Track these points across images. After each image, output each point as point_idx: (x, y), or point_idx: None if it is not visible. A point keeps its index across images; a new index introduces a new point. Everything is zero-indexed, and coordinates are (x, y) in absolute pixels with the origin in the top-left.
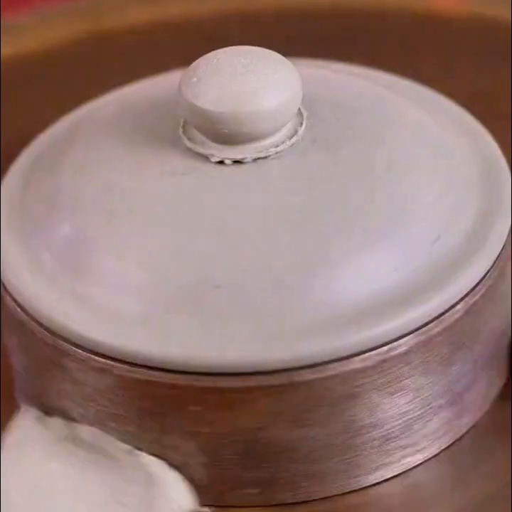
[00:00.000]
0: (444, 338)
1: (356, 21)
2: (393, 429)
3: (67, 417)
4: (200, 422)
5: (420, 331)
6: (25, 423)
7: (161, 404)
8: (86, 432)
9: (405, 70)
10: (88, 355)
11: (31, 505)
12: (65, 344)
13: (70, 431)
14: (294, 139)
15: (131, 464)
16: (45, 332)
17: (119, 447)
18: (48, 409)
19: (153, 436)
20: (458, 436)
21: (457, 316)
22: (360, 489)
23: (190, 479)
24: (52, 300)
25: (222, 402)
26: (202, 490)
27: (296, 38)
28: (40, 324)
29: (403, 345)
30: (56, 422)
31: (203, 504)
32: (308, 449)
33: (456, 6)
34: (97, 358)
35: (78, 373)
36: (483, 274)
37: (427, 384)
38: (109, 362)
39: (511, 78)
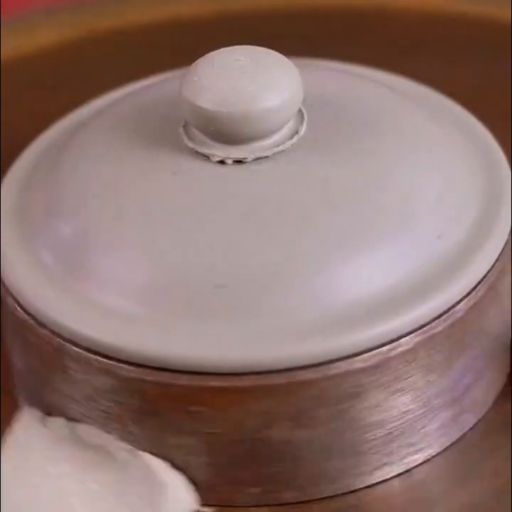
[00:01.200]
0: (445, 337)
1: (356, 21)
2: (395, 429)
3: (69, 416)
4: (200, 422)
5: (422, 330)
6: (26, 424)
7: (161, 404)
8: (87, 431)
9: (405, 70)
10: (88, 354)
11: (33, 506)
12: (65, 343)
13: (71, 431)
14: (295, 138)
15: (133, 465)
16: (46, 331)
17: (121, 447)
18: (48, 409)
19: (153, 436)
20: (460, 434)
21: (459, 314)
22: (361, 489)
23: (192, 479)
24: (53, 299)
25: (222, 402)
26: (204, 490)
27: (296, 38)
28: (40, 323)
29: (405, 344)
30: (57, 422)
31: (204, 504)
32: (309, 448)
33: (456, 6)
34: (96, 357)
35: (78, 373)
36: (485, 273)
37: (430, 382)
38: (108, 361)
39: (511, 78)
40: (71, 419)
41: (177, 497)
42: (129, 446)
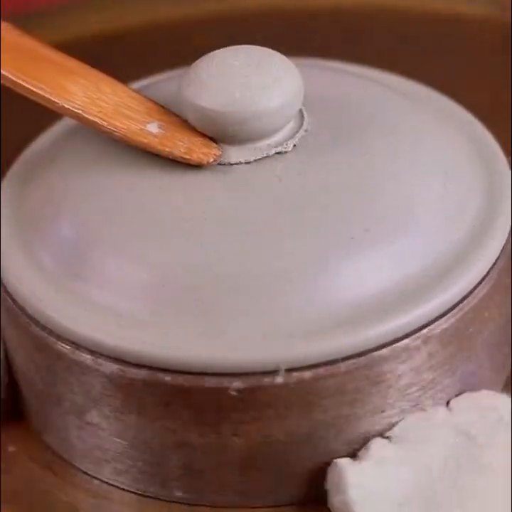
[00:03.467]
0: (447, 336)
1: (356, 21)
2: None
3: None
4: (205, 422)
5: (424, 330)
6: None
7: (164, 404)
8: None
9: (405, 70)
10: (86, 356)
11: None
12: (65, 345)
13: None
14: (296, 138)
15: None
16: (45, 333)
17: None
18: (56, 418)
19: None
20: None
21: (460, 314)
22: None
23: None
24: (52, 300)
25: (224, 402)
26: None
27: (296, 38)
28: (40, 325)
29: (403, 344)
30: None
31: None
32: (314, 447)
33: (456, 6)
34: (96, 358)
35: (79, 374)
36: (485, 272)
37: (432, 381)
38: (108, 363)
39: (511, 78)
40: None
41: None
42: None
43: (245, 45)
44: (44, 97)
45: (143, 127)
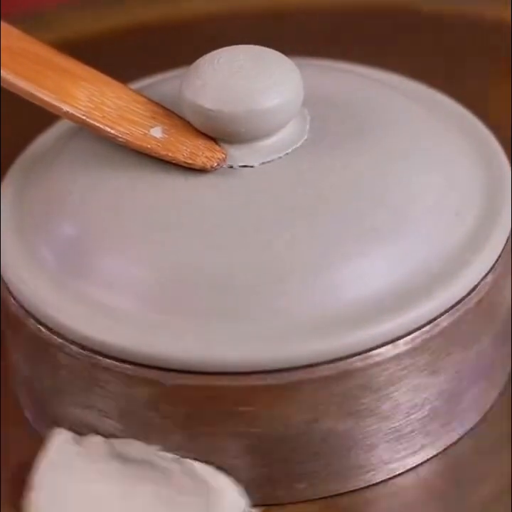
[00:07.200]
0: (449, 335)
1: (356, 21)
2: (433, 409)
3: (98, 431)
4: (247, 422)
5: (422, 330)
6: (59, 446)
7: (206, 408)
8: (127, 446)
9: (406, 70)
10: (86, 353)
11: None
12: (65, 342)
13: (110, 447)
14: (296, 139)
15: (181, 473)
16: (45, 330)
17: (165, 457)
18: (57, 421)
19: (198, 441)
20: (464, 430)
21: (459, 313)
22: (402, 473)
23: (239, 480)
24: (53, 299)
25: (267, 400)
26: (251, 490)
27: (296, 38)
28: (40, 323)
29: (401, 345)
30: (94, 440)
31: (252, 504)
32: (354, 438)
33: (456, 6)
34: (99, 357)
35: (111, 384)
36: (485, 273)
37: (435, 381)
38: (112, 362)
39: (511, 78)
40: (102, 434)
41: (232, 501)
42: (174, 455)
43: (245, 44)
44: (47, 101)
45: (146, 132)
